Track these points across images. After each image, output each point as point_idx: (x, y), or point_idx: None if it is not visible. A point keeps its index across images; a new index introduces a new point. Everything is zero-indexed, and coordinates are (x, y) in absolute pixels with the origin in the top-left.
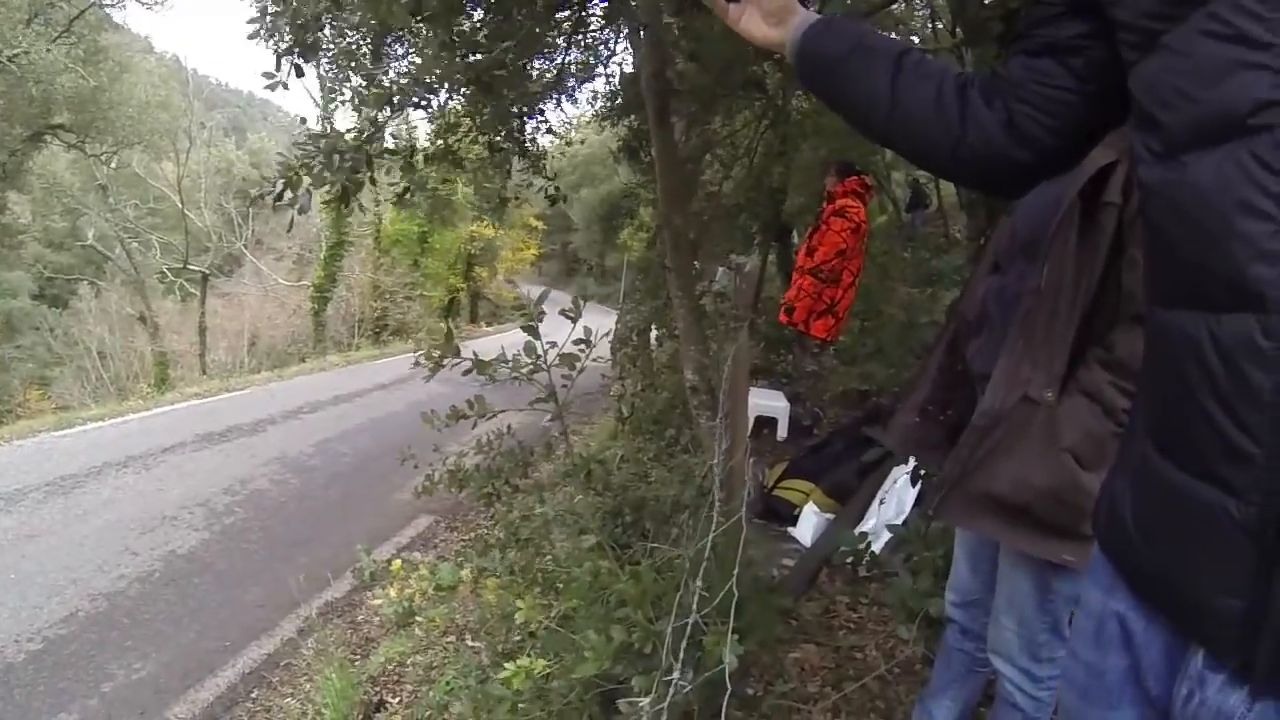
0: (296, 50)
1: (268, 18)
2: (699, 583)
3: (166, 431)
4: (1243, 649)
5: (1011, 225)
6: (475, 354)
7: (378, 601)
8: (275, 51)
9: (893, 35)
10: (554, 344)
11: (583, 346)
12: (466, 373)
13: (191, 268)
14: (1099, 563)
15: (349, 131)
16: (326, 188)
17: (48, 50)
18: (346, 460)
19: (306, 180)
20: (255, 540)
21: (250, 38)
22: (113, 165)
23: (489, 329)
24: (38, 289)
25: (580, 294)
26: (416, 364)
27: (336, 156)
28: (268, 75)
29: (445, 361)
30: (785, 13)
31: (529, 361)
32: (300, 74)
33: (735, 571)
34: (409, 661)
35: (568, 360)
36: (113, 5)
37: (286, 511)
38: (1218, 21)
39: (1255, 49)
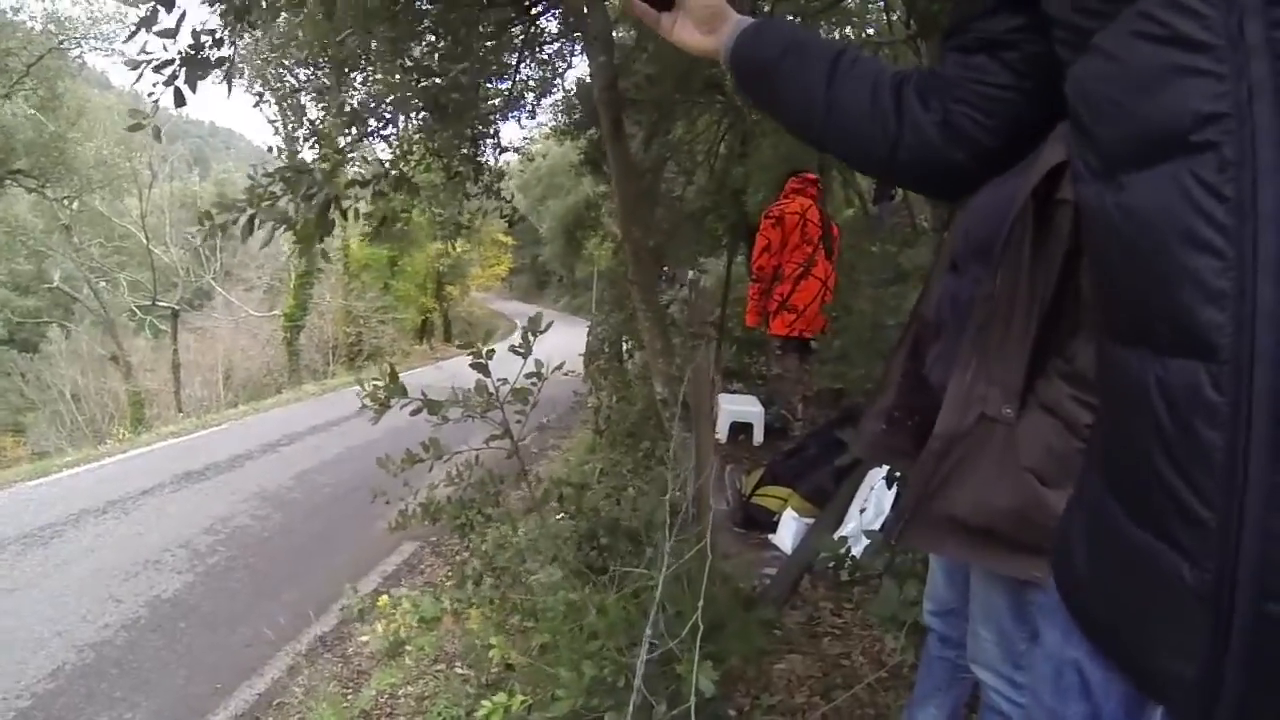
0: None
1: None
2: (669, 611)
3: (144, 474)
4: (1202, 715)
5: (965, 226)
6: (449, 376)
7: (365, 638)
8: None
9: (847, 29)
10: (505, 380)
11: (534, 380)
12: (415, 413)
13: (161, 304)
14: (1055, 604)
15: (315, 162)
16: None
17: (5, 99)
18: (327, 491)
19: (281, 202)
20: (240, 579)
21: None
22: (74, 206)
23: (462, 349)
24: (6, 334)
25: (555, 305)
26: (364, 406)
27: (303, 186)
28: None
29: (393, 403)
30: (716, 19)
31: (480, 400)
32: None
33: (700, 604)
34: (400, 693)
35: (520, 395)
36: (70, 49)
37: (270, 547)
38: (1151, 21)
39: (1193, 52)
